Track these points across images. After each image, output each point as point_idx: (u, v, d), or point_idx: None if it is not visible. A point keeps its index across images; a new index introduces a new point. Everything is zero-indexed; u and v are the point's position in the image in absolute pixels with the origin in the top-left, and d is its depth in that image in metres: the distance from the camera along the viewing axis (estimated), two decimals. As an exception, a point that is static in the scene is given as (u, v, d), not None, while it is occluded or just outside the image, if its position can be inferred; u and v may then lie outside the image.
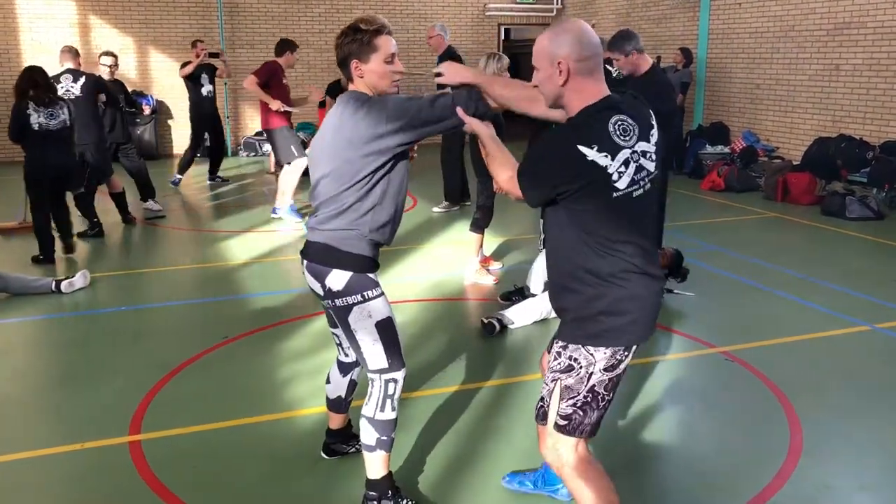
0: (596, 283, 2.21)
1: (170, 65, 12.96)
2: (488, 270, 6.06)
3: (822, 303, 5.39)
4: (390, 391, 2.76)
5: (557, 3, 15.21)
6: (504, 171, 2.36)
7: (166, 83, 13.03)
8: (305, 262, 2.75)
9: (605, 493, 2.33)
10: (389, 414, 2.77)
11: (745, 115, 11.19)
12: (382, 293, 2.75)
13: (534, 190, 2.23)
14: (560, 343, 2.30)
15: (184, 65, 10.02)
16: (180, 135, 13.21)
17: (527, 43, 17.43)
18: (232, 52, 13.16)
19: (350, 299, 2.68)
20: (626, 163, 2.14)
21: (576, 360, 2.26)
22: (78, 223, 7.22)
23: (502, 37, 15.40)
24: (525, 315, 4.96)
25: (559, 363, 2.29)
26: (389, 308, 2.76)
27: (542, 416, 2.38)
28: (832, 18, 9.67)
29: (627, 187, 2.16)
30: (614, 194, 2.15)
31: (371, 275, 2.73)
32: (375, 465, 2.83)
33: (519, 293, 5.34)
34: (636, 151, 2.17)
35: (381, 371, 2.75)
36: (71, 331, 5.12)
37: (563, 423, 2.30)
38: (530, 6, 15.14)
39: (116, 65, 8.30)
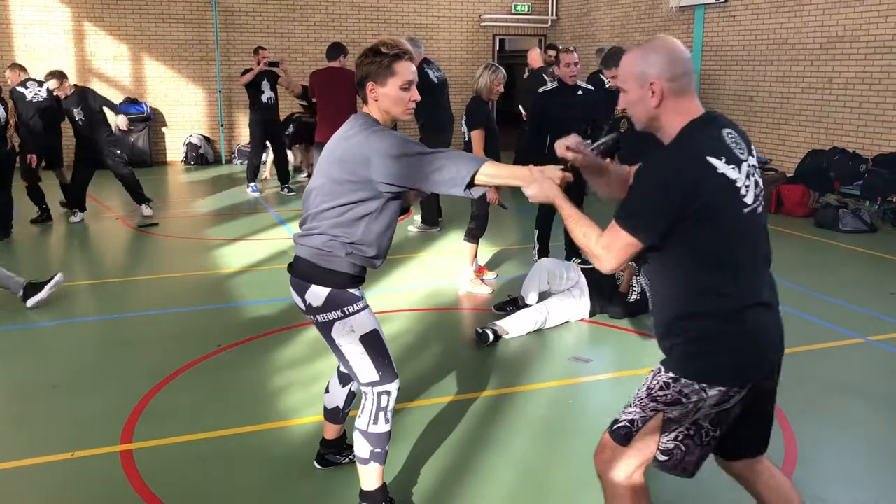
0: (720, 320, 2.07)
1: (164, 72, 12.96)
2: (483, 280, 6.05)
3: (815, 314, 5.39)
4: (383, 403, 2.74)
5: (552, 15, 15.28)
6: (593, 233, 2.12)
7: (160, 90, 13.01)
8: (290, 276, 2.75)
9: None
10: (383, 426, 2.75)
11: (740, 126, 11.22)
12: (366, 307, 2.72)
13: (652, 224, 2.00)
14: (669, 374, 2.12)
15: (244, 72, 10.09)
16: (174, 142, 13.21)
17: (521, 54, 17.48)
18: (226, 60, 13.16)
19: (330, 315, 2.66)
20: (748, 175, 2.04)
21: (686, 395, 2.10)
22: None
23: (497, 47, 15.45)
24: (520, 325, 4.95)
25: (665, 395, 2.11)
26: (374, 321, 2.74)
27: (623, 437, 2.18)
28: (826, 32, 9.73)
29: (753, 202, 2.05)
30: (744, 210, 2.03)
31: (353, 290, 2.70)
32: (369, 477, 2.81)
33: (513, 303, 5.34)
34: (751, 165, 2.07)
35: (373, 384, 2.73)
36: (61, 339, 5.08)
37: (663, 458, 2.18)
38: (525, 17, 15.20)
39: (60, 87, 8.26)
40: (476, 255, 6.09)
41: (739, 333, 2.08)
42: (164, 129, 13.19)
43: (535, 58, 10.68)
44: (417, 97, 2.66)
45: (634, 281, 5.28)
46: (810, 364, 4.55)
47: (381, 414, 2.74)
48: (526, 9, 15.14)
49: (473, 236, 6.00)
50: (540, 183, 2.35)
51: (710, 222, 1.99)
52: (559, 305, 5.15)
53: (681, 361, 2.12)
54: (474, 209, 5.99)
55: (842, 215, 8.16)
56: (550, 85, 6.39)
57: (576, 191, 6.49)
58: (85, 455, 3.43)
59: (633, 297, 5.24)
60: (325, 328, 2.70)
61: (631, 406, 2.21)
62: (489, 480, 3.25)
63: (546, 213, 6.50)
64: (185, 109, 13.24)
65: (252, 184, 10.28)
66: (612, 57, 5.42)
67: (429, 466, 3.32)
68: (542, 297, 5.28)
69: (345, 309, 2.66)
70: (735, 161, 2.01)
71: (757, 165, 2.12)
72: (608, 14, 13.91)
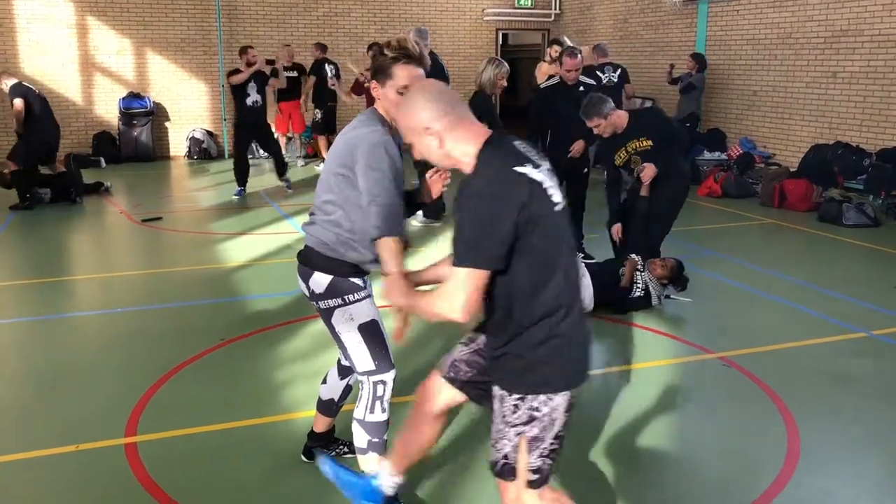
0: (549, 322, 2.09)
1: (166, 66, 12.95)
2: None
3: (819, 309, 5.39)
4: (379, 393, 2.77)
5: (555, 9, 15.24)
6: (438, 299, 2.08)
7: (163, 85, 13.01)
8: (298, 262, 2.81)
9: None
10: (380, 416, 2.78)
11: (742, 121, 11.21)
12: (367, 297, 2.76)
13: (496, 250, 1.99)
14: (515, 396, 2.15)
15: (233, 72, 9.16)
16: (177, 136, 13.21)
17: (524, 48, 17.46)
18: (230, 55, 13.14)
19: (331, 302, 2.72)
20: (549, 177, 2.10)
21: (536, 409, 2.14)
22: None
23: (500, 42, 15.42)
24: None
25: (517, 416, 2.15)
26: (375, 311, 2.78)
27: (509, 473, 2.22)
28: (830, 26, 9.70)
29: (559, 201, 2.11)
30: (555, 208, 2.08)
31: (356, 279, 2.74)
32: (369, 468, 2.82)
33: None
34: (547, 170, 2.13)
35: (369, 373, 2.76)
36: (65, 332, 5.09)
37: (534, 477, 2.21)
38: (528, 11, 15.16)
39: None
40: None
41: (566, 334, 2.11)
42: (167, 123, 13.19)
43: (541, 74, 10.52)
44: None
45: (637, 276, 5.28)
46: (814, 358, 4.55)
47: (378, 403, 2.77)
48: (529, 3, 15.10)
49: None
50: (389, 293, 2.39)
51: (538, 228, 2.02)
52: (562, 300, 5.14)
53: (520, 376, 2.14)
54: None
55: (845, 210, 8.15)
56: (552, 80, 6.39)
57: (577, 188, 6.50)
58: (89, 448, 3.44)
59: (637, 292, 5.24)
60: (327, 315, 2.76)
61: (497, 442, 2.22)
62: (489, 475, 3.25)
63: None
64: (188, 104, 13.23)
65: (239, 188, 9.49)
66: (590, 107, 5.35)
67: (430, 459, 3.32)
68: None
69: (345, 297, 2.71)
70: (536, 165, 2.07)
71: (551, 168, 2.16)
72: (611, 8, 13.87)
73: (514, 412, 2.15)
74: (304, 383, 4.10)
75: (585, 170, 6.43)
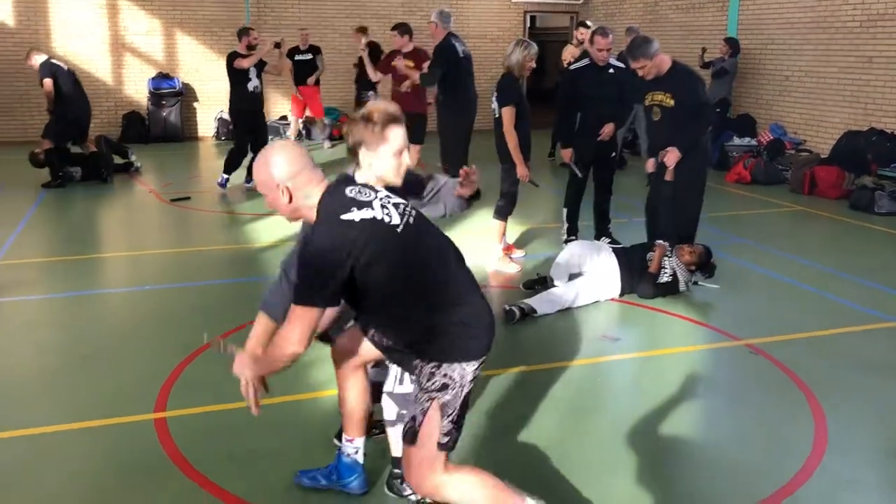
0: (445, 316, 2.37)
1: (195, 47, 13.01)
2: (511, 258, 6.05)
3: (848, 297, 5.32)
4: None
5: (584, -9, 15.08)
6: (279, 342, 2.36)
7: (192, 66, 13.07)
8: None
9: (490, 479, 2.46)
10: (408, 387, 2.80)
11: (773, 107, 11.04)
12: None
13: (323, 289, 2.25)
14: (431, 363, 2.38)
15: (234, 56, 8.51)
16: (205, 117, 13.28)
17: (552, 31, 17.29)
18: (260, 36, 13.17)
19: None
20: (382, 206, 2.32)
21: (450, 377, 2.37)
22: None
23: (528, 24, 15.29)
24: (549, 304, 4.94)
25: (433, 383, 2.38)
26: None
27: (411, 437, 2.41)
28: (866, 10, 9.50)
29: (401, 219, 2.33)
30: (398, 230, 2.31)
31: None
32: (399, 441, 2.84)
33: (542, 282, 5.33)
34: (383, 196, 2.36)
35: None
36: (95, 309, 5.17)
37: (445, 440, 2.40)
38: (557, -6, 15.02)
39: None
40: (505, 233, 6.08)
41: (469, 314, 2.41)
42: (195, 104, 13.27)
43: (568, 55, 10.44)
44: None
45: (665, 261, 5.25)
46: (843, 346, 4.50)
47: (406, 374, 2.79)
48: (558, -15, 14.96)
49: (502, 214, 5.99)
50: (239, 369, 2.59)
51: (383, 260, 2.27)
52: (588, 285, 5.14)
53: (437, 351, 2.38)
54: (504, 187, 5.97)
55: (878, 198, 8.01)
56: (581, 62, 6.33)
57: (605, 172, 6.46)
58: (119, 422, 3.50)
59: (665, 278, 5.21)
60: None
61: (407, 407, 2.49)
62: (514, 457, 3.27)
63: (575, 193, 6.46)
64: (217, 85, 13.23)
65: (224, 175, 8.80)
66: (636, 47, 5.40)
67: (456, 440, 3.33)
68: (572, 277, 5.27)
69: None
70: (364, 205, 2.29)
71: (388, 195, 2.40)
72: (642, -9, 13.69)
73: (430, 379, 2.39)
74: (331, 362, 4.12)
75: (613, 154, 6.38)
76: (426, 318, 2.36)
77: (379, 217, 2.29)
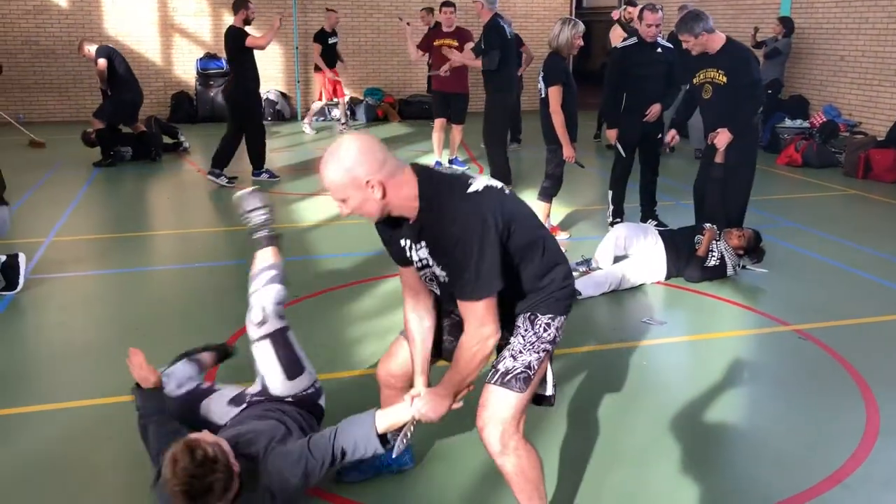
0: (555, 270, 2.37)
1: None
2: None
3: (903, 284, 5.19)
4: None
5: (633, -30, 14.79)
6: (473, 347, 2.26)
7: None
8: None
9: (541, 465, 2.46)
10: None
11: (827, 88, 10.76)
12: None
13: (496, 276, 2.17)
14: (547, 316, 2.37)
15: (243, 33, 7.88)
16: (252, 98, 13.39)
17: (599, 11, 17.04)
18: (303, 17, 13.24)
19: None
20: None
21: (558, 329, 2.41)
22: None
23: (574, 4, 15.09)
24: (594, 286, 4.92)
25: (548, 334, 2.37)
26: None
27: (524, 382, 2.34)
28: (927, -13, 9.18)
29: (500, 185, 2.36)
30: (505, 192, 2.32)
31: None
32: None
33: (586, 264, 5.29)
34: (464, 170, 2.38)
35: None
36: (148, 285, 5.29)
37: (551, 392, 2.47)
38: (605, -28, 14.78)
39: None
40: (549, 215, 6.05)
41: (566, 274, 2.43)
42: (242, 84, 13.38)
43: (616, 37, 10.28)
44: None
45: (713, 245, 5.17)
46: (895, 333, 4.40)
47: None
48: (606, -36, 14.71)
49: (547, 195, 5.96)
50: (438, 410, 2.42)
51: (513, 223, 2.23)
52: (634, 268, 5.09)
53: (551, 305, 2.38)
54: (549, 168, 5.93)
55: (936, 182, 7.78)
56: (629, 41, 6.24)
57: (651, 154, 6.37)
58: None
59: (712, 261, 5.14)
60: None
61: (520, 353, 2.36)
62: (557, 439, 3.27)
63: (621, 174, 6.39)
64: (263, 65, 13.20)
65: (220, 174, 8.15)
66: (683, 21, 5.30)
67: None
68: (617, 260, 5.23)
69: None
70: (468, 177, 2.27)
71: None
72: (692, -31, 13.38)
73: (546, 330, 2.37)
74: (376, 341, 4.17)
75: (660, 135, 6.29)
76: (549, 271, 2.35)
77: (494, 185, 2.28)
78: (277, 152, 10.40)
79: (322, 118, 12.94)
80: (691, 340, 4.44)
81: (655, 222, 6.30)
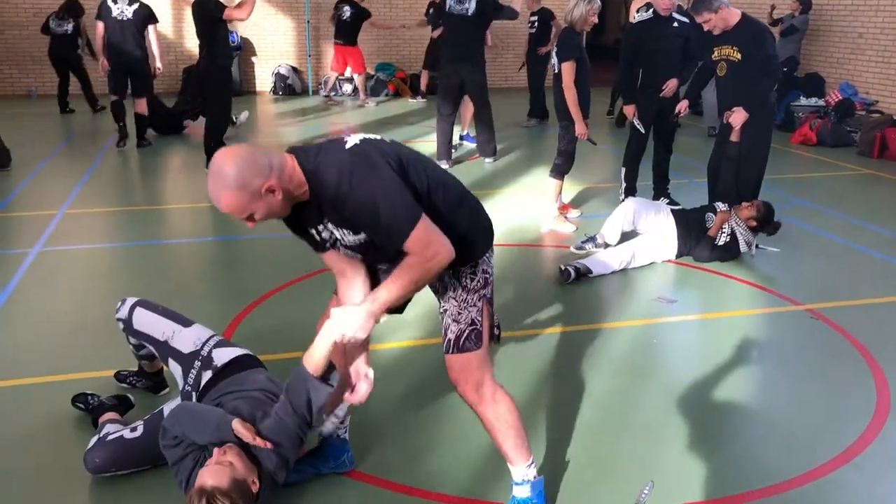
0: (463, 208, 2.35)
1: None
2: (567, 218, 5.99)
3: (917, 265, 5.16)
4: None
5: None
6: (409, 268, 2.18)
7: (250, 20, 12.95)
8: None
9: (517, 409, 2.48)
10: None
11: (844, 66, 10.62)
12: None
13: (414, 203, 2.13)
14: (469, 265, 2.36)
15: (220, 5, 7.24)
16: (263, 72, 13.36)
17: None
18: (315, -10, 13.14)
19: None
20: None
21: (486, 270, 2.41)
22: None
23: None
24: (604, 264, 4.90)
25: (476, 282, 2.38)
26: None
27: (478, 338, 2.37)
28: (949, -37, 9.02)
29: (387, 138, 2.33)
30: (389, 141, 2.28)
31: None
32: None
33: (591, 241, 5.27)
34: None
35: None
36: (161, 257, 5.31)
37: (497, 332, 2.54)
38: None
39: None
40: (561, 192, 6.03)
41: (473, 220, 2.40)
42: (253, 58, 13.35)
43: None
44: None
45: (725, 225, 5.14)
46: (908, 315, 4.38)
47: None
48: (621, -62, 14.52)
49: (559, 172, 5.93)
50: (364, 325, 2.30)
51: (409, 167, 2.20)
52: (645, 246, 5.07)
53: (466, 253, 2.32)
54: (561, 145, 5.90)
55: (952, 162, 7.70)
56: (644, 15, 6.16)
57: (666, 130, 6.32)
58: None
59: (723, 239, 5.11)
60: None
61: (460, 314, 2.38)
62: (567, 416, 3.28)
63: (634, 151, 6.35)
64: (275, 39, 13.35)
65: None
66: (700, 2, 5.23)
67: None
68: (628, 237, 5.21)
69: None
70: (342, 139, 2.23)
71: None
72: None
73: (473, 279, 2.38)
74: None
75: (676, 114, 6.24)
76: (461, 218, 2.31)
77: (371, 137, 2.25)
78: (289, 126, 10.39)
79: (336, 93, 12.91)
80: (702, 319, 4.43)
81: (668, 200, 6.27)
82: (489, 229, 2.44)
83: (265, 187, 2.04)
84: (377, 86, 13.12)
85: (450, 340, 2.39)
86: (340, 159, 2.12)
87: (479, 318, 2.38)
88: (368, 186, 2.07)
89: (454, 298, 2.39)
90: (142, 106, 8.50)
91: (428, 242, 2.12)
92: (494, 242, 2.46)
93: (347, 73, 12.36)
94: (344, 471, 2.85)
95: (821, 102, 10.31)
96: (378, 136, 2.29)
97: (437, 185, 2.27)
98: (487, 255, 2.42)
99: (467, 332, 2.37)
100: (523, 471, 2.49)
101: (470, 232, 2.34)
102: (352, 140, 2.20)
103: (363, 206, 2.08)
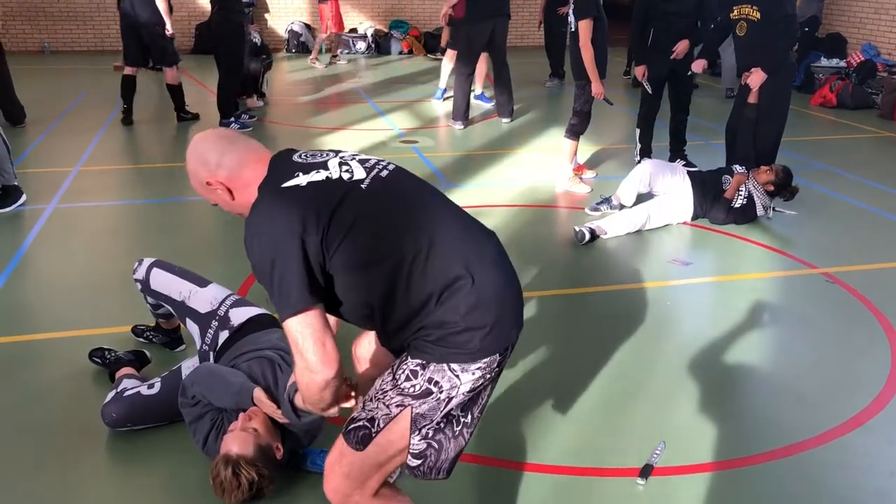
0: (438, 299, 1.74)
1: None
2: (582, 179, 5.95)
3: (936, 229, 5.10)
4: None
5: None
6: (305, 378, 1.74)
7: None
8: None
9: None
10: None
11: (867, 26, 10.41)
12: None
13: (303, 289, 1.68)
14: (416, 361, 1.78)
15: None
16: (276, 28, 13.23)
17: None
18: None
19: None
20: (339, 164, 1.84)
21: (437, 382, 1.77)
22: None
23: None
24: (619, 226, 4.88)
25: (412, 386, 1.77)
26: None
27: (360, 440, 1.82)
28: (979, -80, 8.76)
29: (368, 173, 1.82)
30: (363, 186, 1.79)
31: None
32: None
33: (606, 203, 5.23)
34: (341, 155, 1.90)
35: None
36: (173, 216, 5.30)
37: (414, 463, 1.82)
38: None
39: None
40: (576, 153, 5.97)
41: (451, 319, 1.74)
42: (266, 15, 13.22)
43: None
44: None
45: (742, 188, 5.08)
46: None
47: None
48: None
49: (574, 133, 5.86)
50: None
51: (347, 225, 1.73)
52: (660, 207, 5.04)
53: (423, 348, 1.78)
54: (576, 105, 5.82)
55: (975, 125, 7.56)
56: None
57: (681, 92, 6.22)
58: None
59: (739, 201, 5.06)
60: None
61: (370, 401, 1.84)
62: (581, 376, 3.29)
63: (648, 112, 6.27)
64: (286, -4, 13.20)
65: (235, 120, 7.56)
66: None
67: (518, 358, 3.36)
68: (644, 198, 5.17)
69: None
70: (314, 167, 1.81)
71: (357, 153, 1.94)
72: None
73: (410, 380, 1.78)
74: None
75: (689, 72, 6.14)
76: (412, 302, 1.74)
77: (334, 176, 1.79)
78: (301, 85, 10.32)
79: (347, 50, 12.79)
80: (717, 281, 4.41)
81: (684, 162, 6.20)
82: (473, 332, 1.74)
83: (206, 181, 1.89)
84: (391, 43, 12.99)
85: (350, 417, 1.90)
86: (261, 200, 1.79)
87: (382, 424, 1.80)
88: (260, 244, 1.74)
89: (381, 379, 1.86)
90: (172, 75, 7.69)
91: (300, 350, 1.70)
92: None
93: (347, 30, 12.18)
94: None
95: (842, 63, 10.13)
96: (354, 164, 1.86)
97: (389, 257, 1.74)
98: (459, 369, 1.75)
99: (360, 422, 1.83)
100: None
101: (439, 326, 1.74)
102: (301, 178, 1.79)
103: (251, 261, 1.77)
